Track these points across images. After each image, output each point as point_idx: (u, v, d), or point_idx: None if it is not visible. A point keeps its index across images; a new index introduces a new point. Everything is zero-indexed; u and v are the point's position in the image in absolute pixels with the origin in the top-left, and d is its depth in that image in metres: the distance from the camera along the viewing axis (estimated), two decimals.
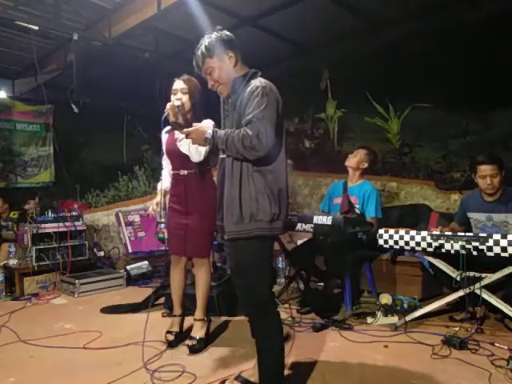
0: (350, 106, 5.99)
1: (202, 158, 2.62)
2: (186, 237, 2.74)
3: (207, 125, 1.94)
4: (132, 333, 2.94)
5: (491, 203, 3.10)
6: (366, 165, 3.79)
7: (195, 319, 2.81)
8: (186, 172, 2.73)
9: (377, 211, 3.63)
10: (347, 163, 3.82)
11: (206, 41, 1.99)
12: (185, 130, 2.02)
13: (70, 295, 4.17)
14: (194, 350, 2.66)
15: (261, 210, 1.86)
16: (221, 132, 1.90)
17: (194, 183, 2.72)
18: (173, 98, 2.69)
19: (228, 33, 2.03)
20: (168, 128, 2.73)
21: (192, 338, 2.72)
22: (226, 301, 3.32)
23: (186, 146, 2.60)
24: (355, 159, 3.78)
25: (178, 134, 2.64)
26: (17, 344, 2.91)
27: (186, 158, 2.65)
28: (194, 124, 2.00)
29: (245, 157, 1.85)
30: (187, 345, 2.70)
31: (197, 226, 2.72)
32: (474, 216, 3.21)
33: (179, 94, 2.68)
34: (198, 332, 2.76)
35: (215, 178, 2.20)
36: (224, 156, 1.98)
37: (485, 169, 3.04)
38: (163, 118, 2.54)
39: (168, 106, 2.61)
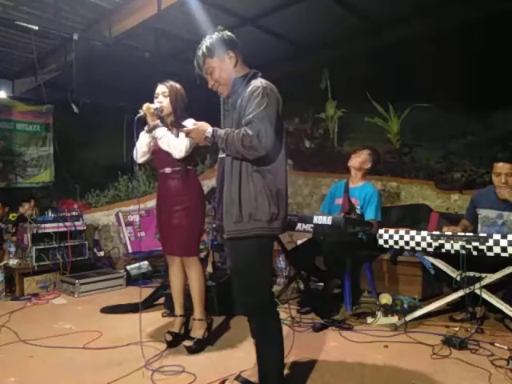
0: (350, 106, 5.99)
1: (182, 153, 2.65)
2: (173, 236, 2.77)
3: (206, 123, 1.95)
4: (132, 333, 2.93)
5: (505, 201, 3.07)
6: (369, 165, 3.74)
7: (194, 319, 2.81)
8: (170, 170, 2.76)
9: (376, 214, 3.58)
10: (350, 163, 3.77)
11: (207, 41, 2.00)
12: (185, 128, 2.02)
13: (70, 295, 4.17)
14: (191, 351, 2.65)
15: (260, 210, 1.86)
16: (221, 131, 1.90)
17: (179, 181, 2.76)
18: (155, 101, 2.76)
19: (229, 33, 2.03)
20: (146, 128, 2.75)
21: (190, 339, 2.72)
22: (226, 301, 3.31)
23: (165, 142, 2.66)
24: (358, 160, 3.73)
25: (158, 133, 2.67)
26: (17, 344, 2.91)
27: (170, 155, 2.69)
28: (194, 123, 2.01)
29: (244, 156, 1.85)
30: (184, 345, 2.69)
31: (182, 225, 2.73)
32: (484, 213, 3.17)
33: (160, 97, 2.75)
34: (196, 332, 2.75)
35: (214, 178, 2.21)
36: (223, 155, 1.98)
37: (501, 166, 3.02)
38: (136, 117, 2.57)
39: (144, 106, 2.66)
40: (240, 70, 2.01)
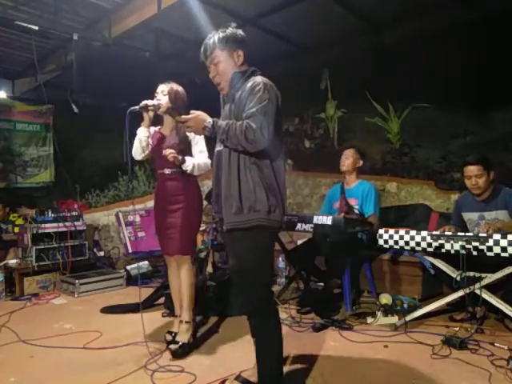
0: (350, 106, 5.99)
1: (210, 166, 2.70)
2: (169, 235, 2.76)
3: (204, 113, 1.94)
4: (132, 333, 2.94)
5: (483, 202, 3.12)
6: (361, 163, 3.81)
7: (181, 321, 2.75)
8: (169, 171, 2.76)
9: (375, 208, 3.64)
10: (344, 168, 3.81)
11: (219, 33, 2.00)
12: (182, 116, 1.98)
13: (70, 295, 4.17)
14: (176, 355, 2.57)
15: (259, 201, 1.87)
16: (222, 122, 1.90)
17: (177, 182, 2.76)
18: (154, 99, 2.78)
19: (242, 32, 2.04)
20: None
21: (175, 343, 2.63)
22: (226, 300, 3.32)
23: (196, 170, 2.72)
24: (349, 161, 3.77)
25: (188, 168, 2.68)
26: (17, 344, 2.91)
27: None
28: (192, 111, 1.97)
29: (245, 148, 1.85)
30: (170, 349, 2.62)
31: (179, 224, 2.73)
32: (467, 216, 3.22)
33: (159, 95, 2.79)
34: (182, 336, 2.68)
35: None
36: (220, 148, 1.98)
37: (470, 169, 3.07)
38: (128, 111, 2.57)
39: (142, 103, 2.69)
40: (242, 67, 2.03)
